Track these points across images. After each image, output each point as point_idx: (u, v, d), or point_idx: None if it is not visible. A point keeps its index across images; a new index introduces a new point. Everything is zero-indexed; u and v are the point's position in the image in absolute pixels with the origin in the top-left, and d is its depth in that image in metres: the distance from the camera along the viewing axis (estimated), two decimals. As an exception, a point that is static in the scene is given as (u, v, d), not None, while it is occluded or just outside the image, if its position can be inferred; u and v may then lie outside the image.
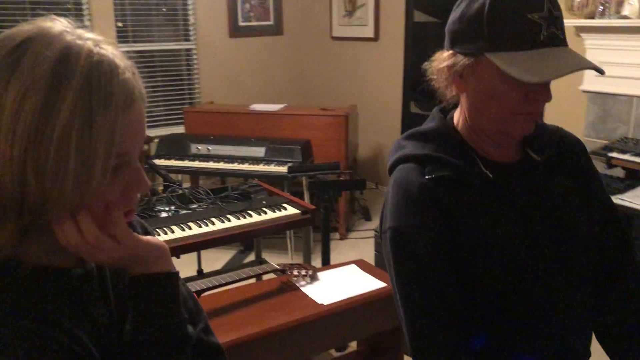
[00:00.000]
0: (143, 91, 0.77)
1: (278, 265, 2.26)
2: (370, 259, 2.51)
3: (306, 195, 3.92)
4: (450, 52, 1.04)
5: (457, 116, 1.13)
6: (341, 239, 4.38)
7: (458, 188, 1.06)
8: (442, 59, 1.06)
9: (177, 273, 0.84)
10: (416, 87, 4.96)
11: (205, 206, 2.67)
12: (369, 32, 5.27)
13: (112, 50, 0.74)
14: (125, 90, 0.73)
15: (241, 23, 5.45)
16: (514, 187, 1.08)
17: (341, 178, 3.56)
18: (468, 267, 1.04)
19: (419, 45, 4.87)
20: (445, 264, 1.04)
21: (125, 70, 0.74)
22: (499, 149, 1.10)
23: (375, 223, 4.64)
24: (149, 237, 0.83)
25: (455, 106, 1.15)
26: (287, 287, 2.20)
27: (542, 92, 0.97)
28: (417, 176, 1.07)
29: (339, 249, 4.14)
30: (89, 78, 0.70)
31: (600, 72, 0.95)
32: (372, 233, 4.40)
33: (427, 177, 1.06)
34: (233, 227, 2.50)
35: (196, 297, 0.97)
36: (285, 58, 5.80)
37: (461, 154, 1.08)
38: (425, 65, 1.11)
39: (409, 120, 5.05)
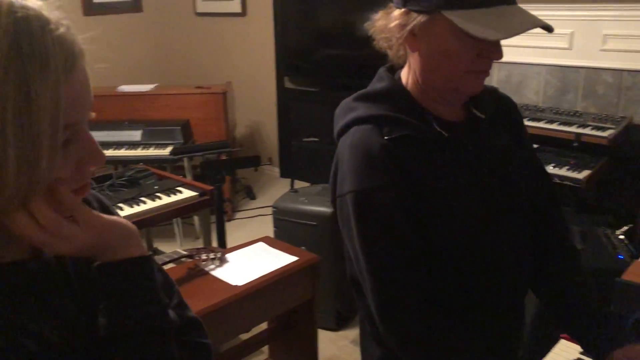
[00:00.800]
0: (82, 47, 0.65)
1: (185, 251, 2.15)
2: (261, 236, 2.48)
3: (189, 177, 3.76)
4: (403, 10, 1.02)
5: (405, 76, 1.12)
6: (229, 220, 4.28)
7: (416, 148, 1.05)
8: (393, 18, 1.03)
9: (150, 256, 0.74)
10: (289, 62, 4.95)
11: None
12: (235, 7, 5.12)
13: (35, 2, 0.62)
14: (63, 48, 0.61)
15: (96, 0, 5.03)
16: (465, 144, 1.10)
17: (223, 157, 3.46)
18: (428, 224, 1.05)
19: (289, 19, 4.85)
20: (409, 223, 1.03)
21: (59, 24, 0.62)
22: (448, 107, 1.11)
23: (260, 201, 4.60)
24: (113, 217, 0.73)
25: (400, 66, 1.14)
26: (195, 273, 2.10)
27: (495, 50, 0.99)
28: (375, 137, 1.04)
29: (229, 230, 4.03)
30: (17, 39, 0.58)
31: (550, 29, 0.98)
32: (260, 211, 4.36)
33: (386, 137, 1.04)
34: (126, 217, 2.32)
35: (165, 270, 0.88)
36: (148, 36, 5.47)
37: (415, 114, 1.07)
38: (368, 25, 1.08)
39: (284, 96, 5.03)
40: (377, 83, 1.14)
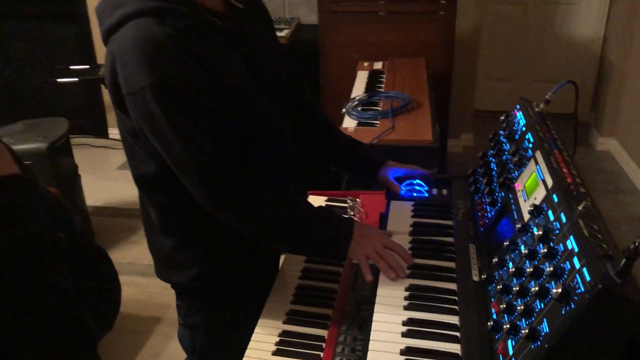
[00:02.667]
0: None
1: None
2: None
3: None
4: None
5: None
6: None
7: (197, 37, 1.11)
8: None
9: (24, 175, 0.74)
10: None
11: None
12: None
13: None
14: None
15: None
16: (234, 32, 1.21)
17: None
18: (222, 102, 1.14)
19: None
20: (215, 108, 1.11)
21: None
22: (210, 0, 1.18)
23: None
24: None
25: None
26: None
27: None
28: (160, 28, 1.06)
29: None
30: None
31: None
32: None
33: (170, 28, 1.06)
34: None
35: (66, 204, 0.84)
36: None
37: (186, 5, 1.12)
38: None
39: None
40: None
